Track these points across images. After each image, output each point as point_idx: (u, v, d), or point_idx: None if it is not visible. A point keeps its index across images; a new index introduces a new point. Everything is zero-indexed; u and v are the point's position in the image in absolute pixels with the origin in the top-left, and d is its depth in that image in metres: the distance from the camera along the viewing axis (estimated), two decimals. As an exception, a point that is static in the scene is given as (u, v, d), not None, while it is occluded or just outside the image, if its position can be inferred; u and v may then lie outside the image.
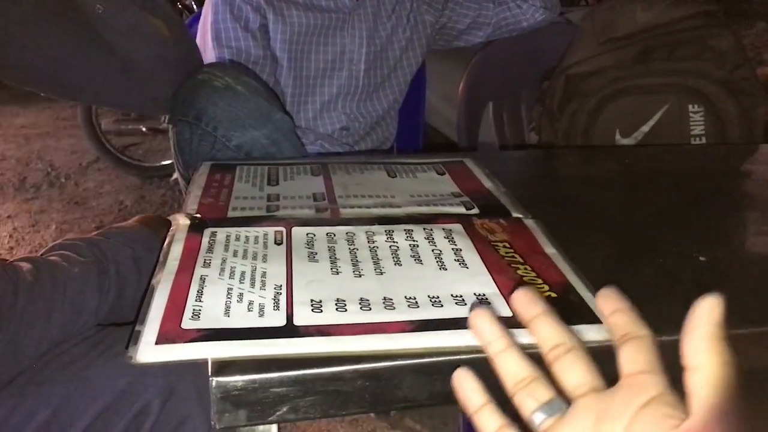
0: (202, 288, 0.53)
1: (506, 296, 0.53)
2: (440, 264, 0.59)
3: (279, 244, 0.62)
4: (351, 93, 1.38)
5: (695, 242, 0.69)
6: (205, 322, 0.49)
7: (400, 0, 1.41)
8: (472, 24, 1.48)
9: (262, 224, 0.66)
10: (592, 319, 0.51)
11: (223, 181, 0.78)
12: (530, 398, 0.39)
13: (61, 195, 2.93)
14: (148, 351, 0.46)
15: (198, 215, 0.67)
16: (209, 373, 0.46)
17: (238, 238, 0.62)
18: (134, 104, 1.01)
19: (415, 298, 0.53)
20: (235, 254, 0.59)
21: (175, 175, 1.19)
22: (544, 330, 0.40)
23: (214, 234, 0.63)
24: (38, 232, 2.61)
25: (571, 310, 0.52)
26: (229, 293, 0.53)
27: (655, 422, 0.34)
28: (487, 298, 0.53)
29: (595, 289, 0.54)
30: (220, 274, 0.56)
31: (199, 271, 0.56)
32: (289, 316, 0.50)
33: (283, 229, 0.65)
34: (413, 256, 0.60)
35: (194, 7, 2.89)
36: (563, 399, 0.38)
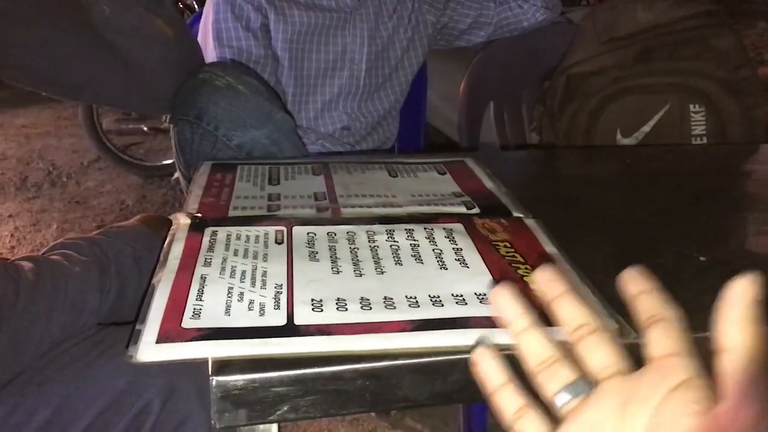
0: (203, 287, 0.53)
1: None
2: (441, 263, 0.59)
3: (280, 244, 0.62)
4: (352, 93, 1.38)
5: (696, 242, 0.69)
6: (205, 322, 0.49)
7: (402, 0, 1.41)
8: (473, 24, 1.48)
9: (262, 223, 0.66)
10: (593, 318, 0.51)
11: (224, 180, 0.78)
12: (553, 379, 0.38)
13: (63, 194, 2.93)
14: (149, 350, 0.46)
15: (199, 214, 0.67)
16: (209, 373, 0.46)
17: (238, 238, 0.62)
18: (134, 104, 1.01)
19: (415, 298, 0.53)
20: (235, 253, 0.59)
21: (176, 174, 1.19)
22: (568, 309, 0.39)
23: (214, 233, 0.63)
24: (39, 232, 2.61)
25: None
26: (229, 292, 0.53)
27: (684, 407, 0.33)
28: (487, 298, 0.53)
29: (596, 288, 0.55)
30: (220, 274, 0.56)
31: (199, 270, 0.56)
32: (290, 316, 0.50)
33: (283, 228, 0.65)
34: (414, 256, 0.60)
35: (195, 6, 2.89)
36: (587, 381, 0.37)
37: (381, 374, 0.48)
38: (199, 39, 1.29)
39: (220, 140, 0.92)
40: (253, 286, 0.54)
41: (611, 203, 0.83)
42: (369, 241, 0.63)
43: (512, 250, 0.62)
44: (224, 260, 0.58)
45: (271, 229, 0.64)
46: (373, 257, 0.60)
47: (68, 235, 0.77)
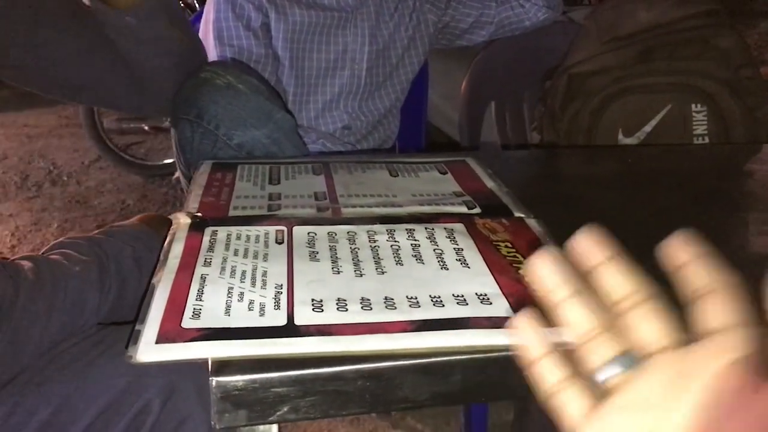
0: (203, 287, 0.53)
1: (508, 296, 0.53)
2: (442, 264, 0.59)
3: (280, 244, 0.61)
4: (353, 92, 1.38)
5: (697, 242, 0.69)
6: (205, 322, 0.49)
7: (403, -1, 1.41)
8: (474, 23, 1.48)
9: (263, 223, 0.66)
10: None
11: (224, 180, 0.78)
12: (599, 351, 0.35)
13: (63, 194, 2.93)
14: (148, 350, 0.46)
15: (199, 214, 0.67)
16: (209, 373, 0.45)
17: (239, 237, 0.62)
18: (134, 104, 1.00)
19: (416, 298, 0.53)
20: (236, 253, 0.59)
21: (177, 173, 1.19)
22: (614, 277, 0.36)
23: (215, 233, 0.63)
24: (40, 231, 2.61)
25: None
26: (229, 292, 0.53)
27: (739, 384, 0.31)
28: (488, 298, 0.53)
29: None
30: (220, 273, 0.55)
31: (199, 270, 0.56)
32: (290, 316, 0.50)
33: (284, 228, 0.65)
34: (414, 256, 0.60)
35: (196, 5, 2.89)
36: (635, 354, 0.35)
37: (381, 375, 0.47)
38: (200, 37, 1.29)
39: (220, 139, 0.91)
40: (254, 286, 0.54)
41: (612, 203, 0.83)
42: (370, 241, 0.62)
43: (513, 250, 0.61)
44: (224, 260, 0.58)
45: (272, 229, 0.64)
46: (373, 257, 0.59)
47: (69, 235, 0.77)
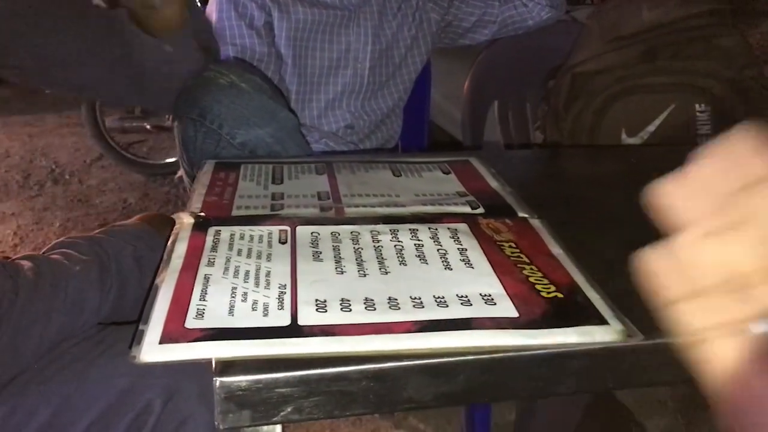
0: (206, 287, 0.53)
1: (512, 297, 0.53)
2: (445, 264, 0.58)
3: (283, 243, 0.61)
4: (356, 91, 1.38)
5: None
6: (209, 322, 0.48)
7: (406, -2, 1.40)
8: (477, 22, 1.47)
9: (266, 223, 0.65)
10: (599, 320, 0.50)
11: (227, 179, 0.78)
12: (750, 300, 0.30)
13: (65, 192, 2.93)
14: (152, 351, 0.46)
15: (202, 214, 0.67)
16: (213, 373, 0.45)
17: (242, 237, 0.62)
18: (135, 101, 1.01)
19: (420, 298, 0.52)
20: (239, 253, 0.59)
21: (180, 172, 1.19)
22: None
23: (218, 233, 0.63)
24: (42, 230, 2.61)
25: (578, 311, 0.51)
26: (233, 292, 0.52)
27: None
28: (492, 299, 0.53)
29: (602, 289, 0.54)
30: (224, 273, 0.55)
31: (203, 270, 0.56)
32: (294, 316, 0.50)
33: (287, 228, 0.64)
34: (418, 256, 0.60)
35: (198, 4, 2.89)
36: None
37: (385, 375, 0.47)
38: (203, 37, 1.29)
39: (223, 138, 0.91)
40: (257, 286, 0.53)
41: (616, 203, 0.82)
42: (373, 241, 0.62)
43: (517, 250, 0.61)
44: (228, 260, 0.57)
45: (275, 229, 0.64)
46: (377, 257, 0.59)
47: (70, 234, 0.77)
